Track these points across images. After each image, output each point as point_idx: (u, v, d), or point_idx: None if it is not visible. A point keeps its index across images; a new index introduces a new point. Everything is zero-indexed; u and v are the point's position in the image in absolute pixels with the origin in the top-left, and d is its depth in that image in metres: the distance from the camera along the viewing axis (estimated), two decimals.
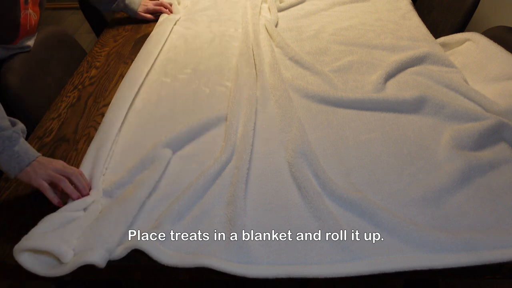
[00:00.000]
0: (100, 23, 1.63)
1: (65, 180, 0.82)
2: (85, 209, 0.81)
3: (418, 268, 0.72)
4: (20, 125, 0.85)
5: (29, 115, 1.13)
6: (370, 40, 1.38)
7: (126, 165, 0.93)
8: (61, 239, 0.73)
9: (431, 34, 1.40)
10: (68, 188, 0.82)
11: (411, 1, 1.65)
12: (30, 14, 1.16)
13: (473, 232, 0.77)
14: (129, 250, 0.73)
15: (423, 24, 1.47)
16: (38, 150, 0.96)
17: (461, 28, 1.50)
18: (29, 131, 1.05)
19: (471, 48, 1.28)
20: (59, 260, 0.72)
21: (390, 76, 1.20)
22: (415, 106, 1.07)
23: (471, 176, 0.88)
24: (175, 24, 1.54)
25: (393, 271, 0.72)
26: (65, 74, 1.32)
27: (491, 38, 1.26)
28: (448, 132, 0.99)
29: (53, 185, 0.82)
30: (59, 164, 0.84)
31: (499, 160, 0.92)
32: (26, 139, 1.02)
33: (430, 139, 0.99)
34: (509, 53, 1.18)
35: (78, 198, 0.82)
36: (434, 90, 1.14)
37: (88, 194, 0.84)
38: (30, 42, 1.23)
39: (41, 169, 0.81)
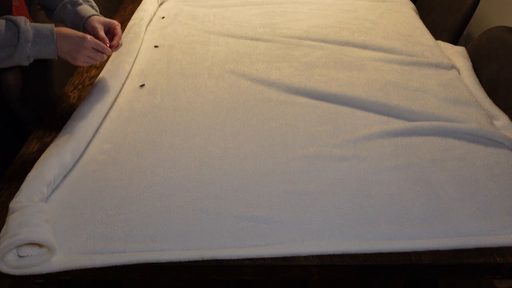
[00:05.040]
0: None
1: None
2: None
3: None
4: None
5: (29, 115, 1.13)
6: (343, 37, 1.39)
7: None
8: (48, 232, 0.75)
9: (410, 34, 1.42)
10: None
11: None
12: (17, 6, 1.16)
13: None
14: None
15: (402, 24, 1.48)
16: (39, 150, 0.96)
17: (461, 28, 1.50)
18: (29, 131, 1.05)
19: None
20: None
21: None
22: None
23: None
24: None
25: None
26: (65, 74, 1.32)
27: (491, 38, 1.26)
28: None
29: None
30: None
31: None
32: (27, 137, 1.02)
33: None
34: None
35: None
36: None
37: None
38: None
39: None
